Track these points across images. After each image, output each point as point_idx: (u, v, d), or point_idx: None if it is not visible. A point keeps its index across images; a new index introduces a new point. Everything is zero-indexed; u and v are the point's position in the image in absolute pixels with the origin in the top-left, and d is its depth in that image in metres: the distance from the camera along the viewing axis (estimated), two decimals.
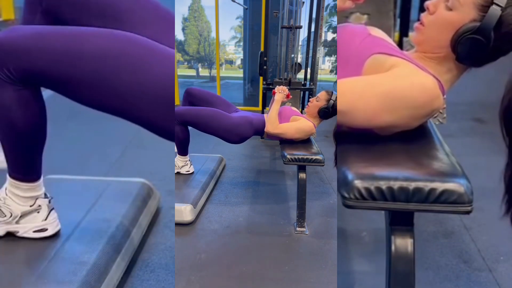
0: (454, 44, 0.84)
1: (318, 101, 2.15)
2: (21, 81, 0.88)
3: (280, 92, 2.15)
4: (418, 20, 0.91)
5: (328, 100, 2.10)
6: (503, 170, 0.73)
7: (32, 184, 1.08)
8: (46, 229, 1.15)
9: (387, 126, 0.87)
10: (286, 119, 2.15)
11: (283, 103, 2.26)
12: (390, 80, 0.83)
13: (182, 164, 2.38)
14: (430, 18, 0.88)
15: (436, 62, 0.90)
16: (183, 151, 2.35)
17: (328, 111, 2.10)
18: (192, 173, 2.41)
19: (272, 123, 2.08)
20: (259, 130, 2.16)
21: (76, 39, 0.85)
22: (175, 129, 2.31)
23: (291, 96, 2.24)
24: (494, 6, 0.79)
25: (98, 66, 0.84)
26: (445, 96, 0.91)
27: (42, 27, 0.87)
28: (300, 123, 2.11)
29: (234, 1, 5.00)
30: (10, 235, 1.13)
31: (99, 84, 0.85)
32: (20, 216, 1.11)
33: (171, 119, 0.92)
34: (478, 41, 0.80)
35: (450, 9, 0.84)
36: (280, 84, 3.96)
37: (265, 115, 2.25)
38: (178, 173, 2.40)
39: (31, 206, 1.12)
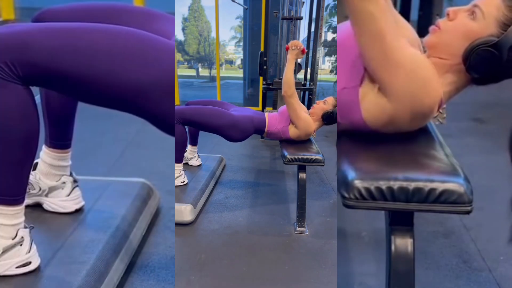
0: (467, 54, 0.84)
1: (325, 104, 2.14)
2: (23, 78, 0.85)
3: (293, 48, 1.95)
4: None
5: (335, 106, 2.10)
6: None
7: (15, 208, 0.97)
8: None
9: (398, 108, 0.87)
10: (288, 120, 2.15)
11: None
12: (417, 59, 0.84)
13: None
14: (449, 24, 0.88)
15: (441, 72, 0.91)
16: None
17: (332, 116, 2.09)
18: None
19: (290, 87, 1.96)
20: (260, 128, 2.16)
21: (78, 34, 0.85)
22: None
23: (306, 51, 2.03)
24: None
25: (97, 61, 0.84)
26: (444, 106, 0.91)
27: (40, 24, 0.87)
28: (307, 116, 2.10)
29: (234, 1, 4.99)
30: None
31: (101, 79, 0.85)
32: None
33: (172, 112, 0.92)
34: (492, 55, 0.81)
35: (472, 19, 0.85)
36: (280, 84, 3.96)
37: (266, 113, 2.25)
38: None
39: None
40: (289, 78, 1.96)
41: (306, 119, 2.08)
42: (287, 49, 2.00)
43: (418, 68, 0.83)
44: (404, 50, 0.83)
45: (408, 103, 0.85)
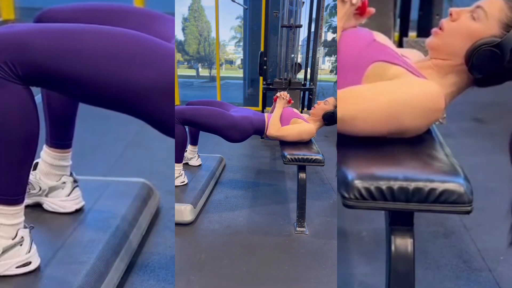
0: (470, 54, 0.84)
1: (326, 104, 2.15)
2: (23, 78, 0.84)
3: (283, 98, 2.18)
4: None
5: (336, 107, 2.11)
6: None
7: (15, 208, 0.97)
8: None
9: (389, 134, 0.87)
10: (286, 121, 2.15)
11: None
12: (395, 88, 0.83)
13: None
14: (452, 24, 0.88)
15: (443, 74, 0.91)
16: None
17: (333, 116, 2.10)
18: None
19: (274, 126, 2.11)
20: (259, 129, 2.16)
21: (78, 35, 0.85)
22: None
23: (292, 101, 2.29)
24: None
25: (97, 62, 0.84)
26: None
27: (40, 24, 0.87)
28: (301, 126, 2.11)
29: (234, 1, 4.99)
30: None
31: (100, 81, 0.85)
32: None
33: (172, 115, 0.92)
34: (495, 55, 0.82)
35: (474, 20, 0.85)
36: (280, 84, 3.97)
37: (265, 114, 2.25)
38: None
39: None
40: (274, 120, 2.12)
41: (304, 133, 2.11)
42: (275, 100, 2.23)
43: (378, 97, 0.83)
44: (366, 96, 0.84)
45: (404, 124, 0.85)
